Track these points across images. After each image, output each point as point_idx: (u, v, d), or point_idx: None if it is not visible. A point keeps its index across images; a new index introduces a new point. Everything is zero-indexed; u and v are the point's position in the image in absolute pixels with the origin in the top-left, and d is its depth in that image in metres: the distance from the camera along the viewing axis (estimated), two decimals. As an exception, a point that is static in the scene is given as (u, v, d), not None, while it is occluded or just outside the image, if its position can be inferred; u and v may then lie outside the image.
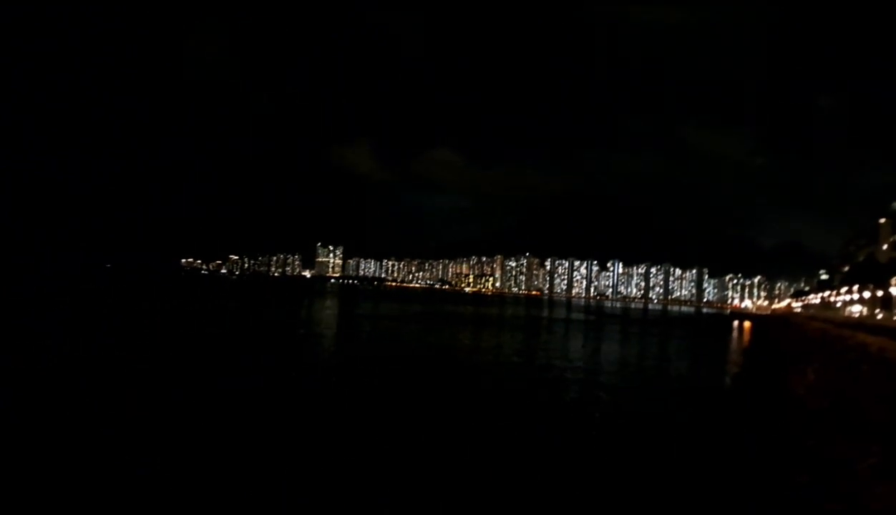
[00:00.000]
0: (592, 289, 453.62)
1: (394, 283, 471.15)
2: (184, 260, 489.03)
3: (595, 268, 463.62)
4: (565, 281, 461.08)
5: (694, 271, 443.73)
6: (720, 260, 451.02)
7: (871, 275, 66.81)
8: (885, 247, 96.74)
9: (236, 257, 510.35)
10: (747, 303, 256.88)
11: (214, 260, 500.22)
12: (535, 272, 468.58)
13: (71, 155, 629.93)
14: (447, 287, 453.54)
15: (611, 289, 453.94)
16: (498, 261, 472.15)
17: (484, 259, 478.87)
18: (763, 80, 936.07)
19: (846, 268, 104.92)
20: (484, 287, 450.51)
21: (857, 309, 71.28)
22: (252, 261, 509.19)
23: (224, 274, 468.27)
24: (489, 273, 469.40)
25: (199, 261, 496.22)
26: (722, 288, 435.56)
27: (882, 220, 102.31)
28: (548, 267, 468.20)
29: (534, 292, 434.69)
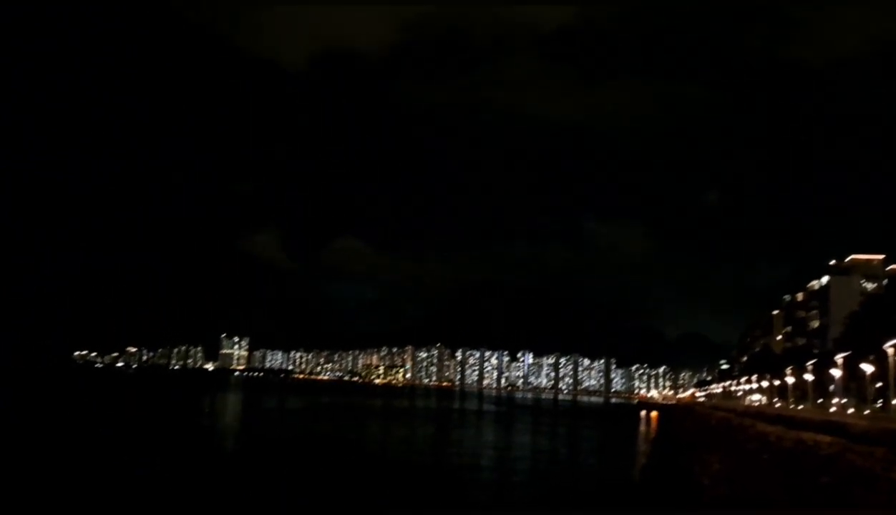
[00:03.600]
0: (503, 380, 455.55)
1: (301, 375, 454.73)
2: (76, 353, 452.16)
3: (506, 359, 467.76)
4: (476, 372, 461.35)
5: (602, 361, 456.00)
6: (627, 350, 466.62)
7: (767, 365, 70.41)
8: (779, 337, 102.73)
9: (134, 349, 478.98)
10: (654, 393, 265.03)
11: (110, 353, 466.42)
12: (446, 363, 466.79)
13: None
14: (357, 379, 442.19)
15: (521, 380, 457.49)
16: (409, 352, 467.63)
17: (394, 350, 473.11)
18: (652, 178, 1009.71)
19: (745, 358, 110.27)
20: (394, 378, 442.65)
21: (756, 398, 74.47)
22: (151, 354, 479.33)
23: (121, 366, 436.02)
24: (400, 364, 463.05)
25: (93, 354, 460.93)
26: (629, 377, 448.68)
27: (775, 312, 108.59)
28: (459, 358, 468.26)
29: (445, 383, 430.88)
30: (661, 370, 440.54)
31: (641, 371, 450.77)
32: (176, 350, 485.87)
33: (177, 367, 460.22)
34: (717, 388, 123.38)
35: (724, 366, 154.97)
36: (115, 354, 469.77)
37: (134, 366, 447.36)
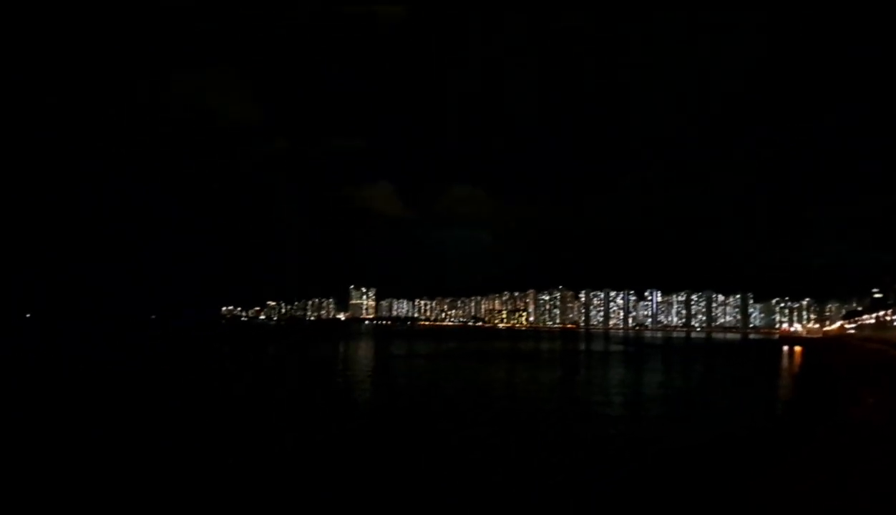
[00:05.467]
0: (630, 320, 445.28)
1: (427, 322, 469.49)
2: (224, 309, 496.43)
3: (633, 299, 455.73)
4: (602, 313, 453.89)
5: (738, 296, 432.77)
6: (765, 283, 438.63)
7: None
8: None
9: (274, 303, 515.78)
10: (797, 327, 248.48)
11: (253, 308, 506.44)
12: (569, 305, 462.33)
13: (116, 215, 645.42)
14: (480, 324, 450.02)
15: (650, 319, 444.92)
16: (531, 296, 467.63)
17: (516, 294, 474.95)
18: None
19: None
20: (517, 322, 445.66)
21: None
22: (289, 307, 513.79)
23: (263, 320, 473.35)
24: (522, 307, 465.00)
25: (238, 309, 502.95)
26: (769, 312, 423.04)
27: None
28: (582, 299, 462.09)
29: (569, 325, 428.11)
30: (805, 302, 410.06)
31: (783, 304, 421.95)
32: (311, 302, 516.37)
33: (312, 318, 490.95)
34: (869, 319, 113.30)
35: (878, 295, 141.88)
36: (258, 308, 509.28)
37: (275, 319, 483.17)
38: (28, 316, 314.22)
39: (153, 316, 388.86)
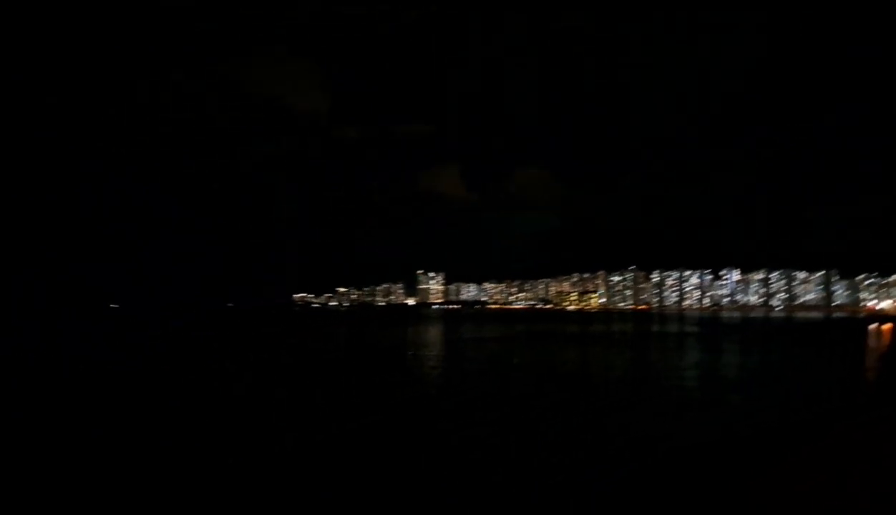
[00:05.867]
0: (706, 300, 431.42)
1: (495, 305, 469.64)
2: (296, 296, 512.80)
3: (708, 278, 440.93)
4: (676, 293, 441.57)
5: (821, 274, 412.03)
6: (850, 259, 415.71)
7: None
8: None
9: (344, 289, 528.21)
10: (886, 304, 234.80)
11: (324, 294, 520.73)
12: (641, 285, 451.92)
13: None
14: (550, 306, 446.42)
15: (727, 299, 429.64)
16: (601, 277, 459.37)
17: (586, 275, 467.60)
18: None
19: None
20: (588, 304, 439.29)
21: None
22: (359, 292, 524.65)
23: (334, 306, 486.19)
24: (592, 289, 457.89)
25: (310, 295, 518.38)
26: (854, 289, 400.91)
27: None
28: (655, 279, 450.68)
29: (641, 306, 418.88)
30: (894, 278, 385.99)
31: (870, 280, 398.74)
32: (380, 288, 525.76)
33: (382, 303, 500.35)
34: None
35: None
36: (329, 295, 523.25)
37: (346, 304, 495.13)
38: (114, 306, 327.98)
39: (230, 305, 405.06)
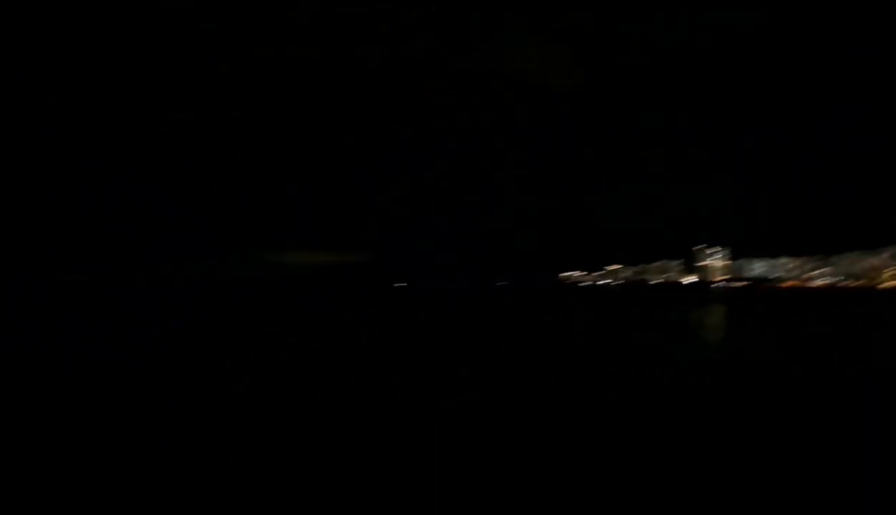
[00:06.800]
0: None
1: (790, 282, 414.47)
2: (562, 274, 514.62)
3: None
4: None
5: None
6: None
7: None
8: None
9: (616, 267, 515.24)
10: None
11: (594, 272, 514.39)
12: None
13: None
14: (859, 282, 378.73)
15: None
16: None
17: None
18: None
19: None
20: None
21: None
22: (633, 270, 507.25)
23: (604, 283, 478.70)
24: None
25: (580, 273, 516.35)
26: None
27: None
28: None
29: None
30: None
31: None
32: (654, 265, 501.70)
33: (657, 282, 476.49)
34: None
35: None
36: (600, 272, 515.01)
37: (618, 282, 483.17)
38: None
39: (499, 284, 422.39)
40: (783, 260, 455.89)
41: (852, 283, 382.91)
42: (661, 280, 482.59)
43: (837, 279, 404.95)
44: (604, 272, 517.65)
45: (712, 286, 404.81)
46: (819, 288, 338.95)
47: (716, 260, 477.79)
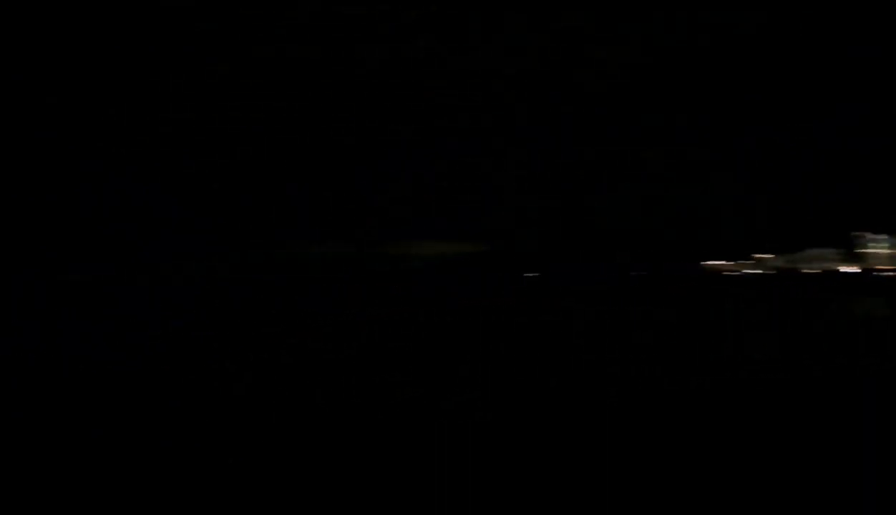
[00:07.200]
0: None
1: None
2: (705, 263, 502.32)
3: None
4: None
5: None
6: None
7: None
8: None
9: (764, 256, 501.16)
10: None
11: (739, 260, 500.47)
12: None
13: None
14: None
15: None
16: None
17: None
18: None
19: None
20: None
21: None
22: (782, 258, 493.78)
23: (748, 273, 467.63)
24: None
25: (723, 262, 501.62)
26: None
27: None
28: None
29: None
30: None
31: None
32: (807, 253, 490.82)
33: (809, 272, 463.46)
34: None
35: None
36: (745, 261, 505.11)
37: (765, 271, 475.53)
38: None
39: (633, 274, 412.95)
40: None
41: None
42: (818, 270, 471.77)
43: None
44: (750, 261, 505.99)
45: (874, 274, 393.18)
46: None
47: (879, 248, 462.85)
